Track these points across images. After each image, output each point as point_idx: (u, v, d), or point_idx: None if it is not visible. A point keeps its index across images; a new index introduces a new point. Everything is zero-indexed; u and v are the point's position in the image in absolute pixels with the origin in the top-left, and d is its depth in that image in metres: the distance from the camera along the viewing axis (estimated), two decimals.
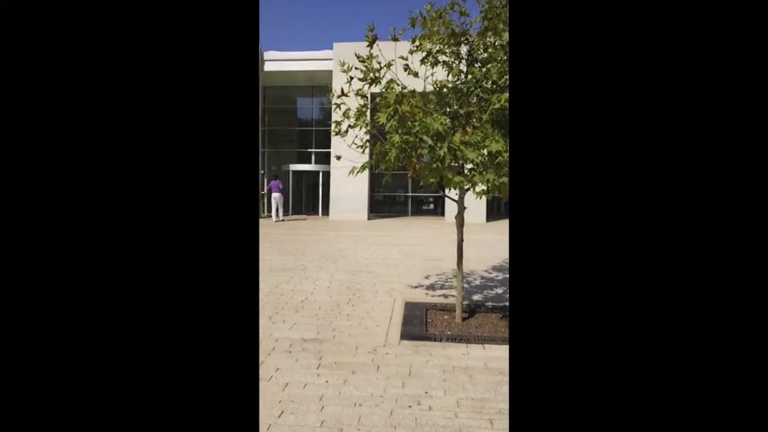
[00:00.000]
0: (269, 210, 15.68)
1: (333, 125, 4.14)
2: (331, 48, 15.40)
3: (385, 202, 18.00)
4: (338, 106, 4.00)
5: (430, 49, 3.81)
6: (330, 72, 15.42)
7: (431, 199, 18.14)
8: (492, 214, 16.49)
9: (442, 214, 16.89)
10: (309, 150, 18.23)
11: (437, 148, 3.37)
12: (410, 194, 17.97)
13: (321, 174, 17.04)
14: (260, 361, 3.18)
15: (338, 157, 4.75)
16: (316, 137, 18.26)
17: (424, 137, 3.35)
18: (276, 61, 15.89)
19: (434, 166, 3.69)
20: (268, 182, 15.24)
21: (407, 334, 3.78)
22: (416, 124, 3.36)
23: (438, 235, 10.99)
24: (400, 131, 3.40)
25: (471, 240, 9.39)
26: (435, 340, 3.66)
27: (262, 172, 17.19)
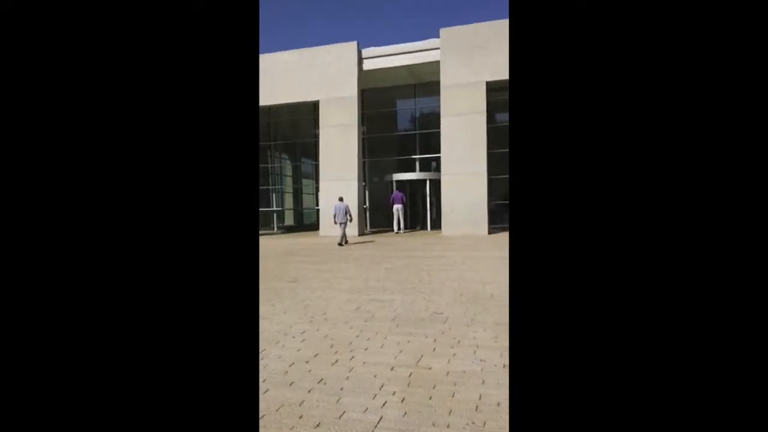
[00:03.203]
0: (371, 224, 14.04)
1: None
2: (437, 36, 13.42)
3: (497, 212, 15.43)
4: None
5: None
6: (436, 63, 13.42)
7: None
8: None
9: None
10: (413, 156, 16.33)
11: None
12: None
13: (428, 183, 15.02)
14: None
15: None
16: (420, 142, 16.33)
17: None
18: (375, 59, 14.22)
19: None
20: (389, 194, 14.89)
21: None
22: None
23: None
24: None
25: None
26: None
27: (363, 183, 15.59)
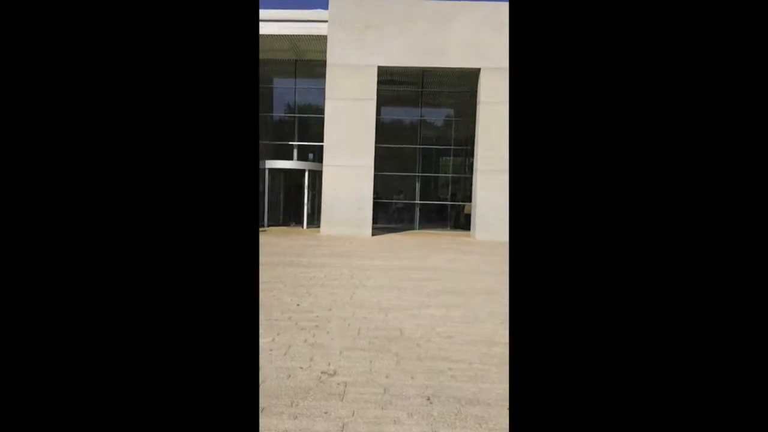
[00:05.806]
0: None
1: None
2: (325, 7, 11.69)
3: (380, 210, 14.26)
4: None
5: None
6: (323, 38, 11.69)
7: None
8: None
9: (460, 227, 13.39)
10: (290, 143, 14.39)
11: None
12: (417, 201, 14.38)
13: (307, 174, 13.23)
14: None
15: None
16: (299, 127, 14.45)
17: None
18: None
19: None
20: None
21: None
22: None
23: (495, 267, 7.47)
24: None
25: None
26: None
27: None
